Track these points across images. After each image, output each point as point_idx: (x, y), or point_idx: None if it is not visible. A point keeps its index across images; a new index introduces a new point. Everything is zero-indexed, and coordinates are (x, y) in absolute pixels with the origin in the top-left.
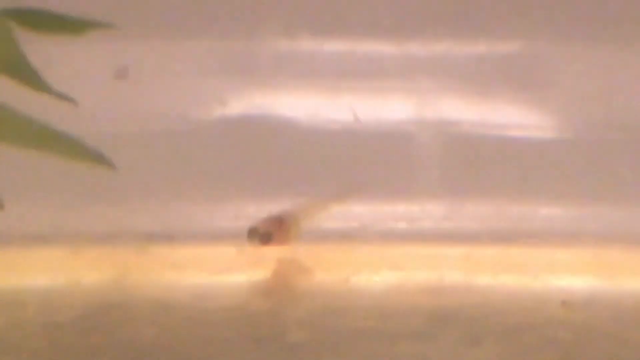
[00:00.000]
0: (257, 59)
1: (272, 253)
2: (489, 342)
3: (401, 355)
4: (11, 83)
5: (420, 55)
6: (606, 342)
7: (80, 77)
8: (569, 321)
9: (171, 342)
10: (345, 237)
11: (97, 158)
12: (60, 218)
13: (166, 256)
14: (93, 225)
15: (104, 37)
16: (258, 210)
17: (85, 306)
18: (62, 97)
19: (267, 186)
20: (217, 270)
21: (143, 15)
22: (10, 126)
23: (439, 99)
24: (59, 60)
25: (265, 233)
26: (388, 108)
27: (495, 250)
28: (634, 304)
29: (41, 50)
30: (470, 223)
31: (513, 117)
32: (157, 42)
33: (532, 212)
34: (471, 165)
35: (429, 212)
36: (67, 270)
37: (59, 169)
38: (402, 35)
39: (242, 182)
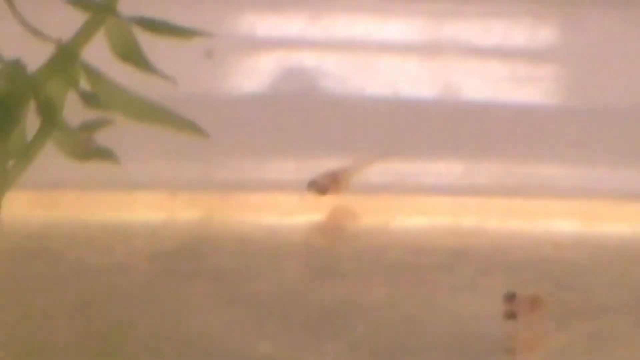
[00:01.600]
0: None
1: (327, 201)
2: (496, 273)
3: (429, 281)
4: (127, 68)
5: (431, 23)
6: (589, 277)
7: (177, 59)
8: (559, 259)
9: (248, 270)
10: (386, 189)
11: (192, 127)
12: (162, 169)
13: (243, 201)
14: (187, 174)
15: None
16: (316, 166)
17: (181, 239)
18: (165, 77)
19: (324, 146)
20: (284, 213)
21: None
22: (124, 103)
23: (459, 72)
24: (163, 46)
25: (322, 185)
26: (418, 81)
27: (502, 201)
28: (612, 246)
29: (147, 40)
30: (484, 179)
31: (521, 87)
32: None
33: (533, 170)
34: (485, 131)
35: (451, 169)
36: (165, 210)
37: (160, 131)
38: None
39: (304, 143)
